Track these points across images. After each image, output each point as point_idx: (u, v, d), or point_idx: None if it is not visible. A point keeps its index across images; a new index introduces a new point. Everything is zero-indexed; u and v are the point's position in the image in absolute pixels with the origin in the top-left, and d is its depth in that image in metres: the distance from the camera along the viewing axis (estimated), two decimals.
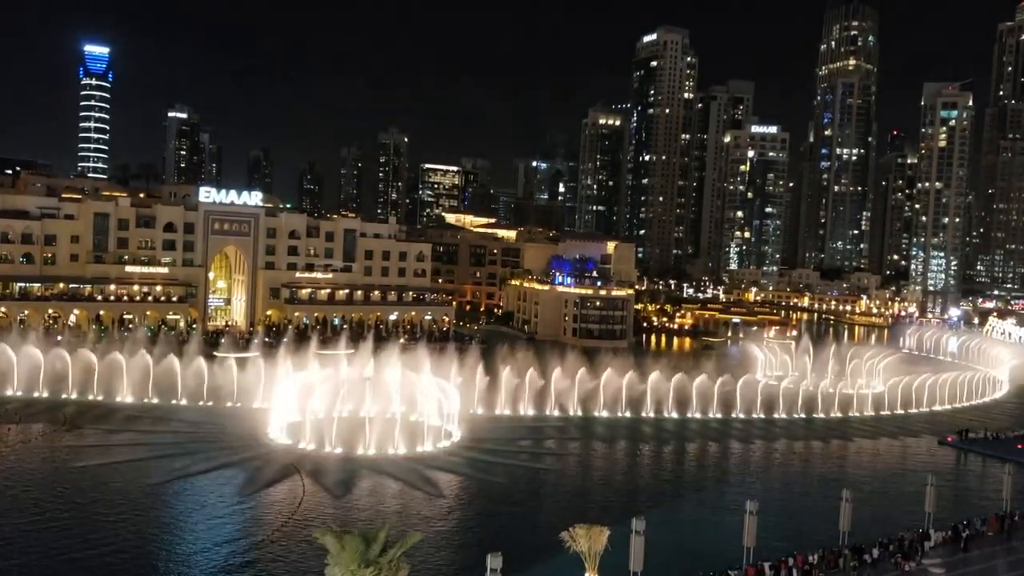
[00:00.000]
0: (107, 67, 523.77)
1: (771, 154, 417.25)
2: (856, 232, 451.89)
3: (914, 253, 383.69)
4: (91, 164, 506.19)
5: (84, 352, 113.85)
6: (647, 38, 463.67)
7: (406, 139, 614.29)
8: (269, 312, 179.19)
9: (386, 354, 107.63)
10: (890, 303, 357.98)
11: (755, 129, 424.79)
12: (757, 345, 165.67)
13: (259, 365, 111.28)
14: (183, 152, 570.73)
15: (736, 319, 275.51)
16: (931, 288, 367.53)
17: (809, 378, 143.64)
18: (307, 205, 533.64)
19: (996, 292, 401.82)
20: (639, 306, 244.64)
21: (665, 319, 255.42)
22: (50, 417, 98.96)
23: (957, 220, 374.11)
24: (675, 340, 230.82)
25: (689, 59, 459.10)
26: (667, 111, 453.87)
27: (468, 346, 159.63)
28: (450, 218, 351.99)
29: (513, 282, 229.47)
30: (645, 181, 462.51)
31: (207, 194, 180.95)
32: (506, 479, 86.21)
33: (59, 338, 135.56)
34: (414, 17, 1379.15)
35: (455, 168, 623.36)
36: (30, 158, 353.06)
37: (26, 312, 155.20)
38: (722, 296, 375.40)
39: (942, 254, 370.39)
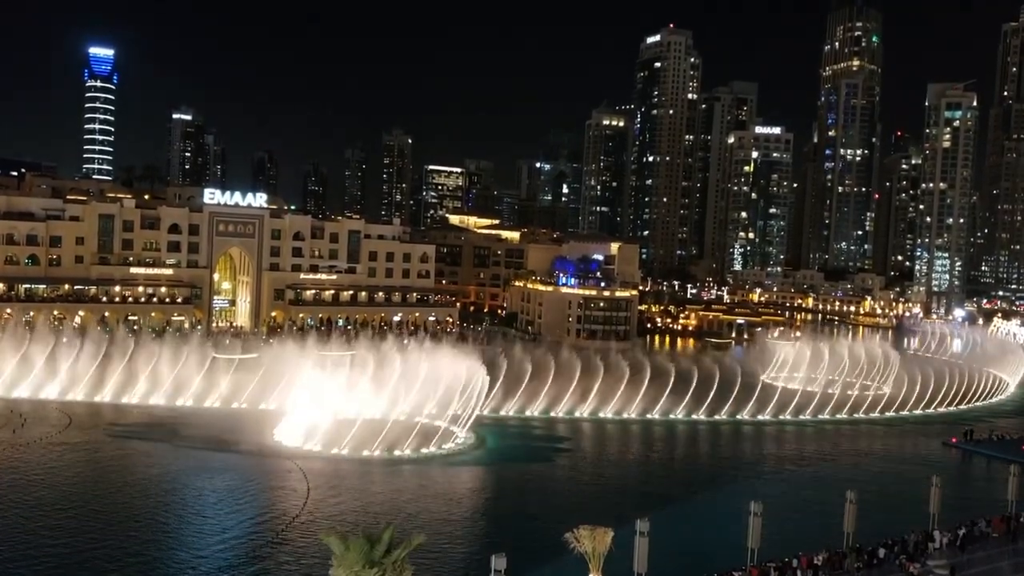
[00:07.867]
0: (112, 69, 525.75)
1: (775, 155, 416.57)
2: (860, 233, 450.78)
3: (918, 254, 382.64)
4: (96, 166, 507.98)
5: (88, 353, 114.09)
6: (651, 39, 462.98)
7: (410, 140, 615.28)
8: (274, 313, 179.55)
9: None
10: (894, 304, 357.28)
11: (759, 130, 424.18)
12: (761, 346, 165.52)
13: (263, 366, 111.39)
14: (188, 154, 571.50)
15: (740, 320, 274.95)
16: (935, 289, 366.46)
17: (813, 379, 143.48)
18: (311, 206, 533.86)
19: (1000, 292, 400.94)
20: (643, 307, 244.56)
21: (669, 320, 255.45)
22: (55, 420, 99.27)
23: (961, 221, 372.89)
24: (679, 341, 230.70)
25: (693, 60, 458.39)
26: (671, 112, 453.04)
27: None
28: (454, 219, 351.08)
29: (517, 283, 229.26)
30: (649, 182, 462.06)
31: (212, 195, 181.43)
32: (510, 479, 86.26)
33: (64, 339, 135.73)
34: (417, 17, 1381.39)
35: (459, 169, 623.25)
36: (35, 160, 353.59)
37: (31, 313, 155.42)
38: (726, 297, 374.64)
39: (946, 255, 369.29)
